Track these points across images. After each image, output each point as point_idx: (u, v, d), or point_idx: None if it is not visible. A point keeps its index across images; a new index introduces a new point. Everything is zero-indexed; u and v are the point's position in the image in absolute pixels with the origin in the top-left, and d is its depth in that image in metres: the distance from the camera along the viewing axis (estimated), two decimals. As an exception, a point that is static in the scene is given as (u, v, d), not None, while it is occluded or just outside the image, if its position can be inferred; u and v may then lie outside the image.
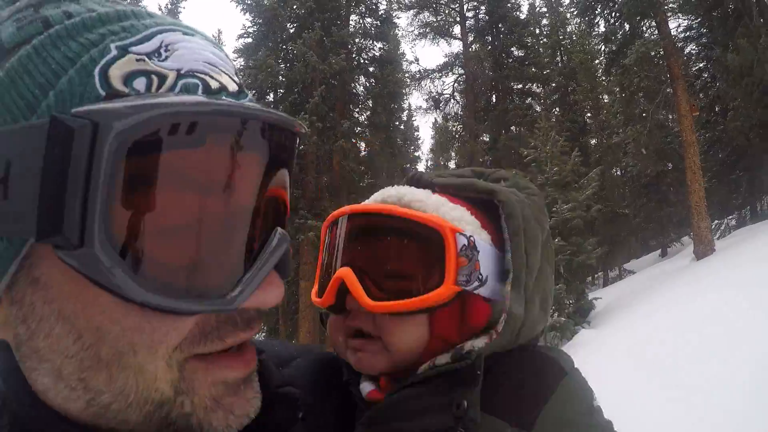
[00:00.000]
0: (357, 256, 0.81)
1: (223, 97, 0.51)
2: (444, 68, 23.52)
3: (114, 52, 0.46)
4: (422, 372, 0.78)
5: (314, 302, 0.86)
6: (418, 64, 22.82)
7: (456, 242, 0.77)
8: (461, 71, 23.21)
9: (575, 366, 0.83)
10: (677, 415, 5.28)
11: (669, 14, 15.60)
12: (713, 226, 16.05)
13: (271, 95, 17.08)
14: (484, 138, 22.50)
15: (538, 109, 24.04)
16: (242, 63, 19.02)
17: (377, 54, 18.96)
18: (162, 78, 0.47)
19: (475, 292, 0.79)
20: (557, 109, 26.11)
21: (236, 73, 0.57)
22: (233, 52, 18.83)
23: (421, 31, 22.95)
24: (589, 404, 0.80)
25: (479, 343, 0.78)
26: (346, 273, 0.78)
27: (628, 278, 18.68)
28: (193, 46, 0.52)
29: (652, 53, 14.87)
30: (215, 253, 0.48)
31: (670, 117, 17.89)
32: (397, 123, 20.77)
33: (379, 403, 0.77)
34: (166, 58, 0.49)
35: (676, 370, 6.30)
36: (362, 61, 19.05)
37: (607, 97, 23.00)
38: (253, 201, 0.51)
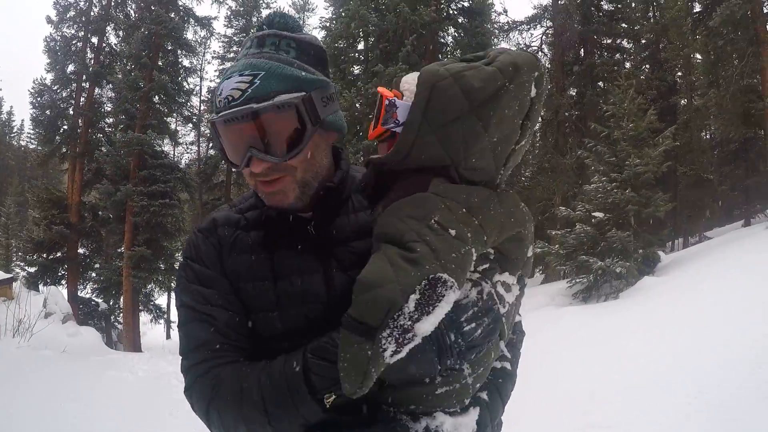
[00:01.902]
0: None
1: (216, 113, 1.22)
2: (532, 20, 23.82)
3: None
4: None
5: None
6: (506, 15, 23.12)
7: (384, 102, 1.29)
8: (549, 24, 23.50)
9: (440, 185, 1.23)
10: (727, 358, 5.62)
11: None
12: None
13: (362, 44, 18.56)
14: (571, 92, 22.85)
15: (627, 65, 23.87)
16: (333, 12, 20.68)
17: (466, 5, 19.68)
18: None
19: (393, 129, 1.28)
20: (647, 66, 25.89)
21: (238, 86, 1.19)
22: (325, 1, 20.47)
23: (510, -19, 23.42)
24: (425, 214, 1.16)
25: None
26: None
27: (704, 243, 19.13)
28: (221, 86, 1.21)
29: (739, 16, 14.89)
30: None
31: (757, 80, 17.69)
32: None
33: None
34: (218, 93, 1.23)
35: (731, 323, 6.51)
36: (451, 11, 19.83)
37: (699, 56, 22.71)
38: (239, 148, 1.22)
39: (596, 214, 14.22)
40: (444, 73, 1.22)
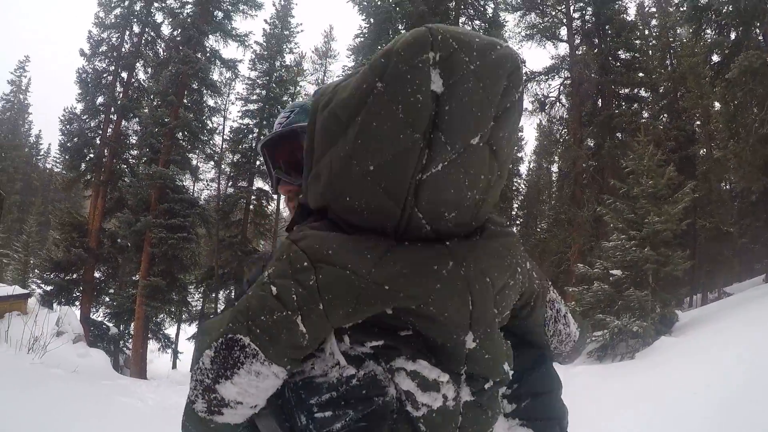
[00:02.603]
0: None
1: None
2: (550, 71, 24.13)
3: None
4: None
5: None
6: (524, 65, 23.37)
7: None
8: (567, 74, 23.74)
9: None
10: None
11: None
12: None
13: (383, 95, 18.65)
14: (589, 143, 22.94)
15: (645, 115, 23.98)
16: (354, 59, 21.07)
17: (483, 57, 19.83)
18: None
19: None
20: (665, 115, 25.84)
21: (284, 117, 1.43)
22: (347, 50, 20.92)
23: (528, 32, 23.72)
24: (267, 263, 0.98)
25: None
26: None
27: (723, 300, 18.81)
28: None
29: (757, 65, 14.71)
30: None
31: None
32: None
33: None
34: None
35: (752, 388, 6.17)
36: (470, 63, 19.95)
37: (718, 104, 22.70)
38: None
39: (614, 272, 14.14)
40: (326, 92, 0.97)
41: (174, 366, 26.46)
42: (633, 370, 10.08)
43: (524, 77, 0.78)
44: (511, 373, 1.05)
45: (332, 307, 0.89)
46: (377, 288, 0.88)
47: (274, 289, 0.90)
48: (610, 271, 14.25)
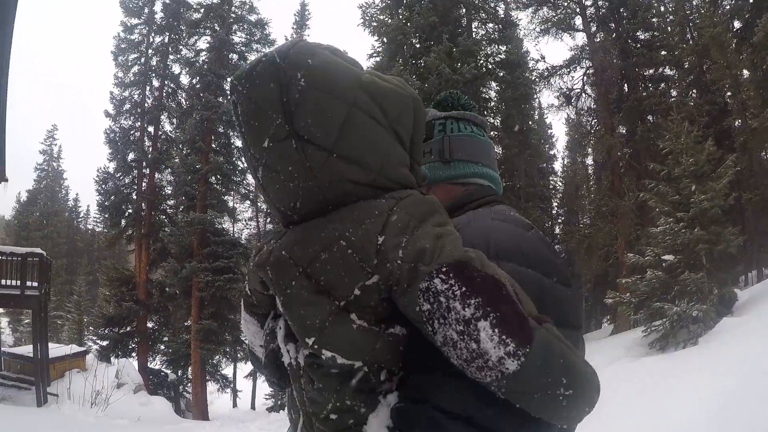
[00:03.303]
0: None
1: None
2: (571, 63, 23.95)
3: None
4: None
5: None
6: (544, 61, 22.96)
7: None
8: (588, 64, 23.48)
9: None
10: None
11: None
12: None
13: (405, 109, 18.78)
14: (621, 130, 22.59)
15: (674, 93, 23.47)
16: (375, 77, 21.23)
17: (503, 57, 19.92)
18: None
19: None
20: (694, 91, 25.33)
21: None
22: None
23: (543, 27, 23.60)
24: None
25: None
26: None
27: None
28: None
29: None
30: None
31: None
32: (531, 123, 21.35)
33: None
34: None
35: None
36: (490, 66, 20.10)
37: (747, 72, 21.51)
38: None
39: (666, 257, 13.74)
40: None
41: (234, 404, 26.77)
42: (700, 355, 9.80)
43: (311, 69, 0.76)
44: (317, 348, 0.92)
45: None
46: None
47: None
48: (662, 257, 13.86)
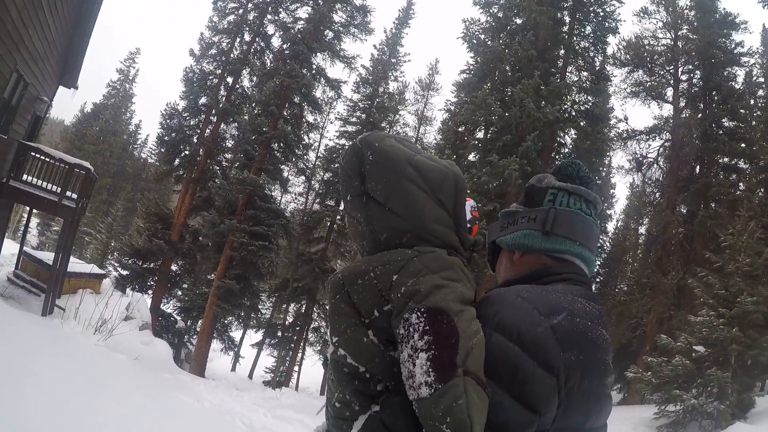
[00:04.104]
0: None
1: None
2: (652, 131, 23.93)
3: None
4: None
5: None
6: (626, 123, 22.99)
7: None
8: (668, 136, 23.46)
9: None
10: None
11: None
12: None
13: (481, 133, 19.13)
14: (682, 209, 22.55)
15: (741, 187, 23.11)
16: (456, 95, 21.41)
17: (588, 107, 19.92)
18: None
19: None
20: (762, 189, 25.17)
21: None
22: (452, 85, 21.35)
23: (634, 89, 23.70)
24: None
25: None
26: None
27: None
28: None
29: None
30: None
31: None
32: (597, 178, 21.27)
33: None
34: None
35: None
36: (573, 113, 20.12)
37: None
38: None
39: (697, 347, 13.72)
40: None
41: (233, 369, 27.01)
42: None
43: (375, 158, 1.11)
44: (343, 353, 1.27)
45: None
46: None
47: None
48: (694, 347, 13.86)
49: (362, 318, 1.23)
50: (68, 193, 13.52)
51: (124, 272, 24.52)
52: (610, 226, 36.03)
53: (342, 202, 1.59)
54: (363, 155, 1.35)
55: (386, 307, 1.20)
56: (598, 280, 31.74)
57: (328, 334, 1.32)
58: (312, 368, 27.93)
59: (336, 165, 27.63)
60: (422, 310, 1.12)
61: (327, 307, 1.37)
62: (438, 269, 1.21)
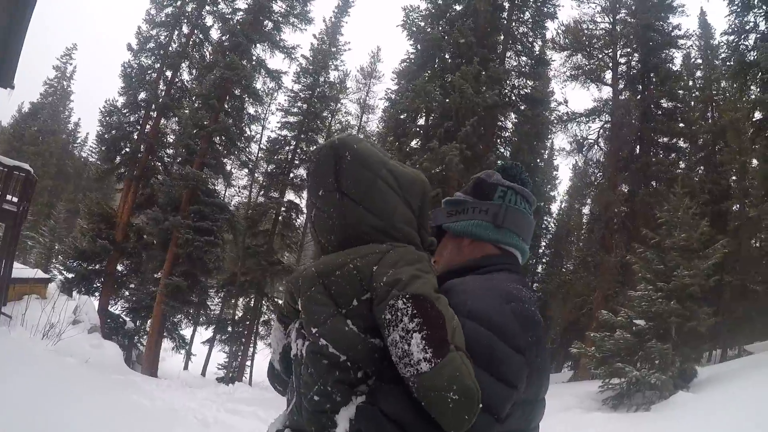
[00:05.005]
0: None
1: None
2: (591, 113, 24.28)
3: None
4: None
5: None
6: (566, 105, 23.40)
7: None
8: (608, 118, 23.87)
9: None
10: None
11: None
12: None
13: (422, 120, 19.21)
14: (623, 189, 23.04)
15: (681, 165, 23.96)
16: (397, 83, 21.48)
17: (528, 92, 20.15)
18: None
19: None
20: (701, 168, 25.90)
21: None
22: (393, 73, 21.40)
23: (573, 73, 24.02)
24: None
25: None
26: None
27: (744, 358, 18.64)
28: None
29: None
30: None
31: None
32: (539, 161, 21.67)
33: None
34: None
35: None
36: (513, 97, 20.33)
37: (756, 162, 22.15)
38: None
39: (638, 321, 14.11)
40: None
41: (186, 367, 26.65)
42: (648, 421, 10.11)
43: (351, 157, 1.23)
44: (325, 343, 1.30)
45: None
46: None
47: None
48: (634, 321, 14.24)
49: (339, 308, 1.29)
50: (8, 197, 13.32)
51: (70, 275, 23.87)
52: (554, 207, 36.99)
53: (306, 196, 1.62)
54: (340, 154, 1.41)
55: (365, 296, 1.28)
56: (544, 260, 32.51)
57: (303, 327, 1.36)
58: (264, 362, 27.57)
59: (279, 157, 27.49)
60: (407, 296, 1.21)
61: (301, 301, 1.36)
62: (412, 261, 1.31)
